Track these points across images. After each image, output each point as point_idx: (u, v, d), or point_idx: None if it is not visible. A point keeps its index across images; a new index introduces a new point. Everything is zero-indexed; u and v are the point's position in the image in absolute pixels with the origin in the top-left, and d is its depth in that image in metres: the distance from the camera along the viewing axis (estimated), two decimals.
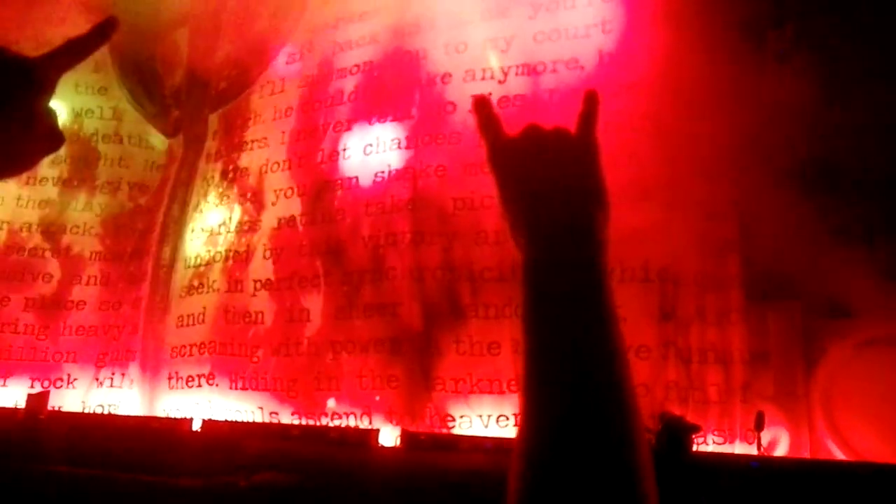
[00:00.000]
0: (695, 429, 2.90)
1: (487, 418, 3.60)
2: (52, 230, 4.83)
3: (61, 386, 4.50)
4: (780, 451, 3.24)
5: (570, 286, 0.61)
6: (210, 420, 3.86)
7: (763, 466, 2.95)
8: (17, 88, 0.55)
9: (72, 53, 0.58)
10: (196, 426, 3.80)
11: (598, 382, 0.57)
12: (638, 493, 0.53)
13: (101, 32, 0.59)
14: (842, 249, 3.16)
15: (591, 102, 0.72)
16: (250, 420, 3.98)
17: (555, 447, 0.55)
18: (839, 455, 3.14)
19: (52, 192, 4.83)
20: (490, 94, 3.91)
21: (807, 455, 3.20)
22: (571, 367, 0.57)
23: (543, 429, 0.56)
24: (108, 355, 4.59)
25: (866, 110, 3.31)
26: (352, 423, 3.80)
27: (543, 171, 0.68)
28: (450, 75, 4.07)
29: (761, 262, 3.30)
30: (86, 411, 4.43)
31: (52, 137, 0.57)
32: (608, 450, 0.54)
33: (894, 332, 3.16)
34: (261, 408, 4.00)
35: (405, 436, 3.50)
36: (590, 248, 0.63)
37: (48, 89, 0.57)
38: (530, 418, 0.56)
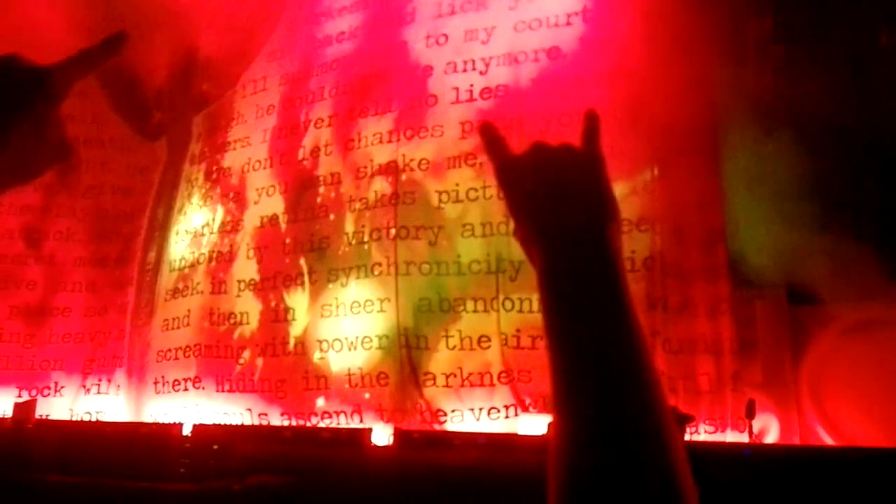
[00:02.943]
0: (688, 419, 2.90)
1: (479, 411, 3.58)
2: (34, 237, 4.78)
3: (49, 394, 4.46)
4: (771, 437, 3.25)
5: (590, 292, 0.63)
6: (200, 424, 3.83)
7: (755, 454, 2.95)
8: (31, 96, 0.55)
9: (84, 63, 0.59)
10: (186, 431, 3.77)
11: (627, 382, 0.59)
12: (676, 483, 0.55)
13: (114, 43, 0.60)
14: (826, 237, 3.17)
15: (592, 119, 0.75)
16: (239, 423, 3.95)
17: (591, 451, 0.56)
18: (828, 440, 3.16)
19: (33, 197, 4.77)
20: (472, 85, 3.90)
21: (797, 441, 3.21)
22: (600, 370, 0.60)
23: (579, 432, 0.58)
24: (94, 362, 4.56)
25: (848, 100, 3.33)
26: (342, 422, 3.77)
27: (553, 185, 0.71)
28: (431, 68, 4.03)
29: (747, 252, 3.31)
30: (74, 419, 4.39)
31: (61, 146, 0.57)
32: (644, 448, 0.56)
33: (878, 317, 3.18)
34: (249, 410, 3.97)
35: (398, 434, 3.48)
36: (605, 256, 0.65)
37: (60, 98, 0.57)
38: (565, 421, 0.59)
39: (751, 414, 3.12)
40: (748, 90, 3.30)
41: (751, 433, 3.14)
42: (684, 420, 2.82)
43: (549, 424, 0.61)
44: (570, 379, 0.59)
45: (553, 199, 0.67)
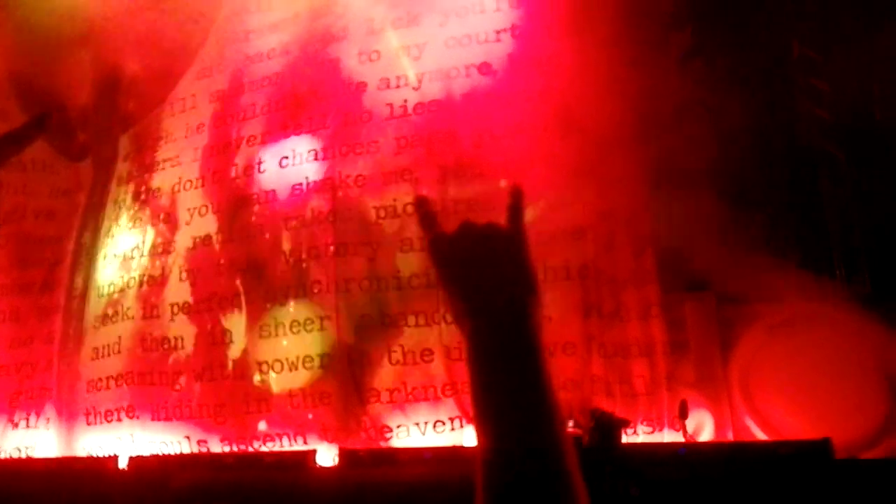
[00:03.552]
0: (624, 423, 2.98)
1: (424, 425, 3.59)
2: None
3: None
4: (706, 433, 3.37)
5: (511, 365, 0.74)
6: (137, 456, 3.69)
7: (690, 452, 3.06)
8: None
9: (10, 145, 0.59)
10: (122, 463, 3.63)
11: (537, 437, 0.70)
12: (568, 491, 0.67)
13: (38, 124, 0.60)
14: (749, 241, 3.34)
15: (516, 197, 0.81)
16: (178, 451, 3.82)
17: (510, 487, 0.67)
18: (759, 433, 3.30)
19: None
20: (405, 100, 3.93)
21: (730, 435, 3.34)
22: (516, 428, 0.71)
23: (498, 473, 0.68)
24: (22, 395, 4.34)
25: (766, 110, 3.51)
26: (286, 444, 3.71)
27: (479, 263, 0.79)
28: (364, 84, 4.04)
29: (675, 257, 3.44)
30: (2, 456, 4.18)
31: None
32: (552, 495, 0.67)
33: (801, 314, 3.36)
34: (187, 437, 3.85)
35: (343, 454, 3.45)
36: (525, 330, 0.75)
37: None
38: (486, 460, 0.69)
39: (684, 414, 3.24)
40: (671, 101, 3.44)
41: (685, 432, 3.25)
42: (621, 424, 2.89)
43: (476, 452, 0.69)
44: (492, 435, 0.70)
45: (478, 278, 0.73)
